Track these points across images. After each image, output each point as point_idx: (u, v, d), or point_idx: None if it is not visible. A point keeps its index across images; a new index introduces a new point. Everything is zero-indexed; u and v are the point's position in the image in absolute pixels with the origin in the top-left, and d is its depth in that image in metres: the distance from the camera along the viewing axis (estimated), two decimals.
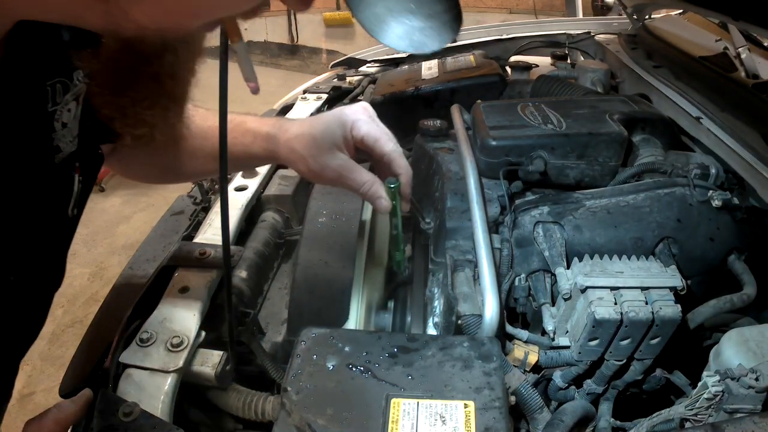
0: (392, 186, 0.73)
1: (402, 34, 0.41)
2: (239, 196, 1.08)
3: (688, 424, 0.70)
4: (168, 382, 0.66)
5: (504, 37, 1.92)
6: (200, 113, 0.76)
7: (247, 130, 0.75)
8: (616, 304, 0.74)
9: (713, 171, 0.89)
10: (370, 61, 1.87)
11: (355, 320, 0.86)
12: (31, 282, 0.55)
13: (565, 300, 0.80)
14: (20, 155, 0.48)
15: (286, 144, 0.73)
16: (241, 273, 0.95)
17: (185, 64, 0.49)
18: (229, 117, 0.70)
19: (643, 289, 0.76)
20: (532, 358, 0.79)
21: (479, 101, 1.12)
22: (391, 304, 0.98)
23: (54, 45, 0.52)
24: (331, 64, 1.93)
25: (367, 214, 1.01)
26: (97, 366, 0.75)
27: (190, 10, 0.39)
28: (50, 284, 0.60)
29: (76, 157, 0.57)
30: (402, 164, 0.75)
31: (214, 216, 1.02)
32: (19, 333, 0.56)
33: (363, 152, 0.75)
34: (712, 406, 0.67)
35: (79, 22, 0.41)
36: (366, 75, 1.75)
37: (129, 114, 0.48)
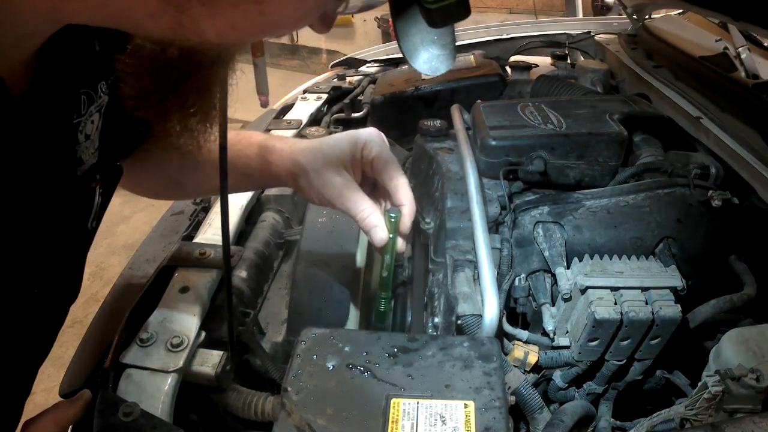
0: (393, 217, 0.69)
1: (426, 59, 0.50)
2: (239, 196, 1.08)
3: (688, 424, 0.70)
4: (168, 382, 0.66)
5: (504, 37, 1.92)
6: None
7: (251, 143, 0.74)
8: (616, 304, 0.74)
9: (713, 171, 0.89)
10: (370, 61, 1.87)
11: (355, 320, 0.86)
12: (52, 294, 0.56)
13: (565, 300, 0.80)
14: (46, 166, 0.48)
15: (290, 157, 0.71)
16: (241, 273, 0.95)
17: (229, 77, 0.50)
18: (236, 132, 0.69)
19: (643, 289, 0.76)
20: (532, 358, 0.79)
21: (479, 101, 1.12)
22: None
23: (86, 55, 0.51)
24: (331, 64, 1.93)
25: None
26: (97, 366, 0.75)
27: (254, 28, 0.41)
28: (68, 296, 0.60)
29: (97, 170, 0.57)
30: (408, 195, 0.70)
31: (214, 216, 1.02)
32: (39, 343, 0.57)
33: (369, 178, 0.72)
34: (712, 406, 0.67)
35: (136, 28, 0.41)
36: (366, 75, 1.75)
37: (173, 119, 0.48)
